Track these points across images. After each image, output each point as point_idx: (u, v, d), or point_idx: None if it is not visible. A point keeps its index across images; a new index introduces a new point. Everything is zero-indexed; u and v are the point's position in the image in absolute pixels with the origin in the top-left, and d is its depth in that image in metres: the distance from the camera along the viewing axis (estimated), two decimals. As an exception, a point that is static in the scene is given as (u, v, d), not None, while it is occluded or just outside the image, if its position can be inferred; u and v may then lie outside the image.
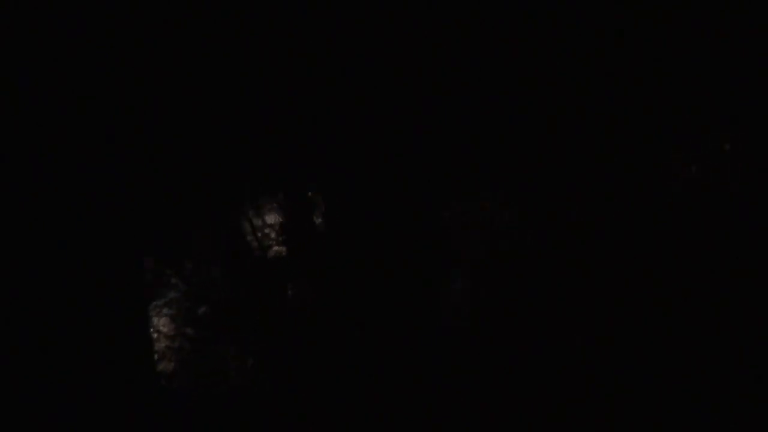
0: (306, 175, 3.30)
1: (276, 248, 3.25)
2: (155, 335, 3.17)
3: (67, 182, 3.28)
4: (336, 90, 3.32)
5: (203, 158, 3.34)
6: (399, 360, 3.18)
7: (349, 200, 3.31)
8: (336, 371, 3.12)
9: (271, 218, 3.27)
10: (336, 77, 3.30)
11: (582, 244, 3.32)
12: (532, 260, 3.31)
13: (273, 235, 3.26)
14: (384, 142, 3.30)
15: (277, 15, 3.33)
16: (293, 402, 3.08)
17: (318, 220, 3.26)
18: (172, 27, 3.32)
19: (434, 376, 3.17)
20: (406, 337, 3.18)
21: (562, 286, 3.28)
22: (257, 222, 3.25)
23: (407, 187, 3.32)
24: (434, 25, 3.32)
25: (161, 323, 3.18)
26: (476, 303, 3.26)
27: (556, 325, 3.23)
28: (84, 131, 3.25)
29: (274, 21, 3.33)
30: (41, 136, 3.21)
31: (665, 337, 3.14)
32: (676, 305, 3.19)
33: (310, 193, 3.28)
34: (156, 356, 3.15)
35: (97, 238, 3.26)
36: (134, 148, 3.30)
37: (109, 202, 3.32)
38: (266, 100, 3.35)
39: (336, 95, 3.33)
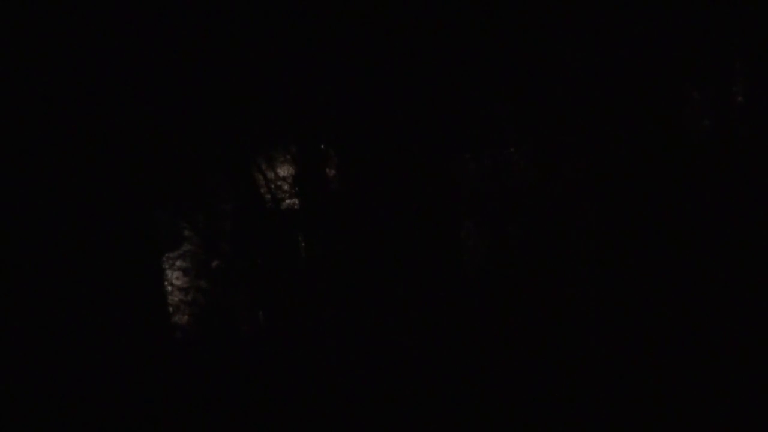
0: (318, 127, 3.24)
1: (289, 201, 3.21)
2: (169, 288, 3.17)
3: (80, 132, 3.26)
4: (347, 43, 3.25)
5: (217, 110, 3.29)
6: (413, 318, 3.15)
7: (361, 152, 3.26)
8: (347, 327, 3.10)
9: (284, 171, 3.22)
10: (347, 34, 3.23)
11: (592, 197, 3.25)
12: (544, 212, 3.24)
13: (286, 187, 3.22)
14: (394, 93, 3.23)
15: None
16: (303, 353, 3.08)
17: (331, 172, 3.21)
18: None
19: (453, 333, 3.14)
20: (420, 292, 3.14)
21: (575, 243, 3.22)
22: (270, 175, 3.21)
23: (418, 136, 3.26)
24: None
25: (175, 276, 3.18)
26: (490, 256, 3.21)
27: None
28: (97, 80, 3.22)
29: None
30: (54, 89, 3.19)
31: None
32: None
33: (322, 146, 3.22)
34: (170, 309, 3.15)
35: (110, 191, 3.25)
36: (147, 98, 3.26)
37: (122, 154, 3.29)
38: (279, 55, 3.29)
39: (347, 48, 3.25)
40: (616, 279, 3.19)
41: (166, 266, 3.18)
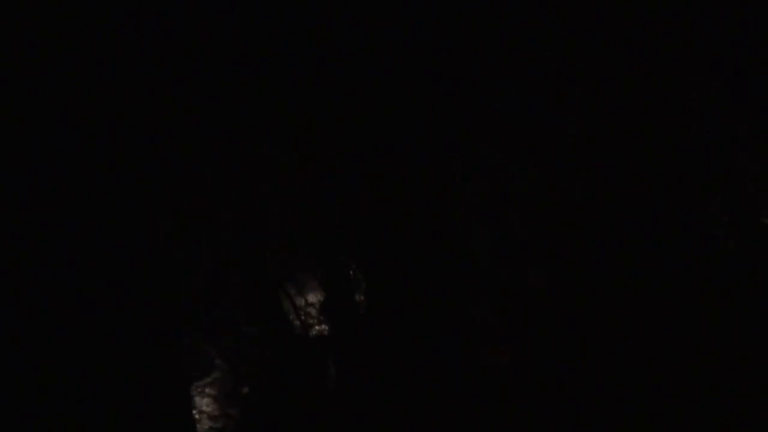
0: (345, 252, 3.31)
1: (318, 327, 3.25)
2: (198, 416, 3.16)
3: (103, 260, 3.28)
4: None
5: (243, 233, 3.34)
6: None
7: (387, 273, 3.33)
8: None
9: (313, 297, 3.27)
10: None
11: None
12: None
13: (314, 313, 3.26)
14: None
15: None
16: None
17: (360, 298, 3.27)
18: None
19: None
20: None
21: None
22: (299, 301, 3.26)
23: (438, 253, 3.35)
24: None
25: (204, 403, 3.18)
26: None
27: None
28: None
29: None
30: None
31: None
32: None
33: (351, 272, 3.29)
34: (199, 438, 3.15)
35: (135, 319, 3.25)
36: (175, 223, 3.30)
37: (148, 282, 3.31)
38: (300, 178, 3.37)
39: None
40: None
41: (195, 393, 3.18)
